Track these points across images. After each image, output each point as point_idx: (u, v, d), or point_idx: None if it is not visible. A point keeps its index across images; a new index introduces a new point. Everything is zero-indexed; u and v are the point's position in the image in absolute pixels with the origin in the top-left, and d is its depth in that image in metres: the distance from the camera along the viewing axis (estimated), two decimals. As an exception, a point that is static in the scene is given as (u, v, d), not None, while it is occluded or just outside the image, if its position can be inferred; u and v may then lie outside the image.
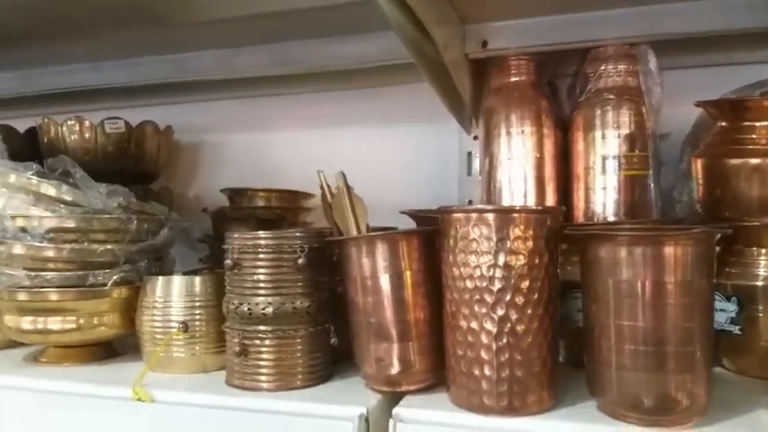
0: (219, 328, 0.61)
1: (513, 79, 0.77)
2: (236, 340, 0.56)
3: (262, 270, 0.56)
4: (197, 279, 0.63)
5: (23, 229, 0.61)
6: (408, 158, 0.94)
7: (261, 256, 0.56)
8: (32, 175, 0.63)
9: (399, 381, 0.53)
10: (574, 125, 0.73)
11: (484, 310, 0.47)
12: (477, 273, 0.47)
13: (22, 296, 0.63)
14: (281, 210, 0.92)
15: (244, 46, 0.89)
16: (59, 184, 0.63)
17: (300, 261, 0.55)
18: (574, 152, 0.73)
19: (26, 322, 0.64)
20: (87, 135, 0.93)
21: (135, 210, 0.66)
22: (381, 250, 0.53)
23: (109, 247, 0.64)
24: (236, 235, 0.58)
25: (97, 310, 0.64)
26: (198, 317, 0.62)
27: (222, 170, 1.03)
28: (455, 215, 0.49)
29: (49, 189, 0.63)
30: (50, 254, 0.62)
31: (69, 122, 0.91)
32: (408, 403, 0.50)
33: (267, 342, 0.56)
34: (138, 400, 0.55)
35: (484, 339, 0.47)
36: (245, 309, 0.56)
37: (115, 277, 0.64)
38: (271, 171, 0.99)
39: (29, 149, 1.02)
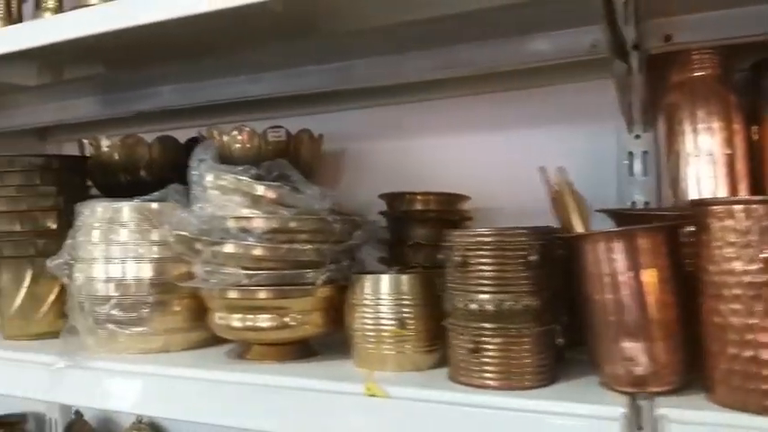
0: (427, 327, 0.61)
1: (697, 74, 0.75)
2: (467, 337, 0.56)
3: (489, 268, 0.56)
4: (405, 278, 0.63)
5: (244, 230, 0.63)
6: (562, 160, 0.93)
7: (487, 253, 0.56)
8: (250, 177, 0.64)
9: (648, 381, 0.51)
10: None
11: (761, 308, 0.45)
12: (752, 267, 0.46)
13: (232, 294, 0.65)
14: (439, 212, 0.92)
15: (406, 51, 0.90)
16: (280, 186, 0.65)
17: (531, 258, 0.55)
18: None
19: (236, 320, 0.66)
20: (249, 144, 0.96)
21: (338, 211, 0.67)
22: (626, 247, 0.51)
23: (317, 247, 0.65)
24: (459, 233, 0.58)
25: (304, 308, 0.65)
26: (407, 315, 0.62)
27: (364, 176, 1.03)
28: (718, 207, 0.48)
29: (269, 192, 0.64)
30: (266, 253, 0.63)
31: (233, 132, 0.94)
32: (671, 403, 0.49)
33: (496, 340, 0.55)
34: (371, 395, 0.55)
35: (764, 338, 0.45)
36: (474, 306, 0.56)
37: (323, 276, 0.65)
38: (416, 176, 0.99)
39: (186, 157, 1.06)
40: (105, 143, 0.91)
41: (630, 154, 0.88)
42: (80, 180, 0.87)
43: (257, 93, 1.01)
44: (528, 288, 0.56)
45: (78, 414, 1.40)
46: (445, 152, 0.99)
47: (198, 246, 0.65)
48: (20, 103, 1.25)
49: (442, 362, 0.61)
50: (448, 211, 0.90)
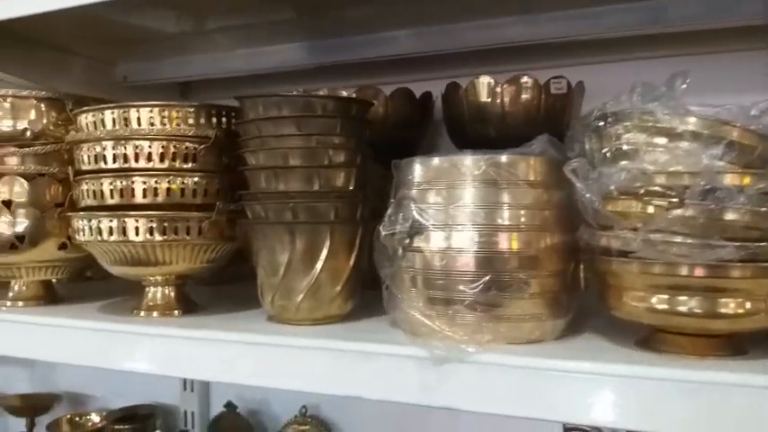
0: None
1: None
2: None
3: None
4: None
5: (719, 189, 0.48)
6: None
7: None
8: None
9: None
10: None
11: None
12: None
13: (684, 271, 0.51)
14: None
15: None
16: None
17: None
18: None
19: (668, 302, 0.52)
20: (529, 95, 0.82)
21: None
22: None
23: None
24: None
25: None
26: None
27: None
28: None
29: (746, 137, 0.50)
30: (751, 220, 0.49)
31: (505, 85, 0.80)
32: None
33: None
34: None
35: None
36: None
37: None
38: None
39: (421, 114, 0.91)
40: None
41: None
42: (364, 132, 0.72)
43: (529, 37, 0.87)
44: None
45: (231, 406, 1.26)
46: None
47: (649, 208, 0.50)
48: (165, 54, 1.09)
49: None
50: None
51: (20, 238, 0.78)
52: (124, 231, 0.70)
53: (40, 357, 0.80)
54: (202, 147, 0.71)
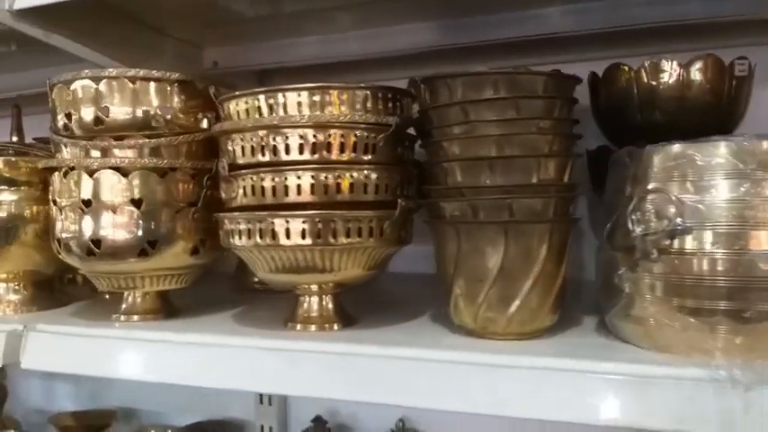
0: None
1: None
2: None
3: None
4: None
5: None
6: None
7: None
8: None
9: None
10: None
11: None
12: None
13: None
14: None
15: None
16: None
17: None
18: None
19: None
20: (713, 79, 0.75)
21: None
22: None
23: None
24: None
25: None
26: None
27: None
28: None
29: None
30: None
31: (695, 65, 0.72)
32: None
33: None
34: None
35: None
36: None
37: None
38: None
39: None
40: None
41: None
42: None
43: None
44: None
45: (320, 421, 1.16)
46: None
47: None
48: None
49: None
50: None
51: (151, 243, 0.67)
52: (289, 234, 0.60)
53: (171, 380, 0.69)
54: (381, 136, 0.62)
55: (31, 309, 0.83)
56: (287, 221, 0.60)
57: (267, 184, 0.61)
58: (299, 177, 0.60)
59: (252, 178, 0.62)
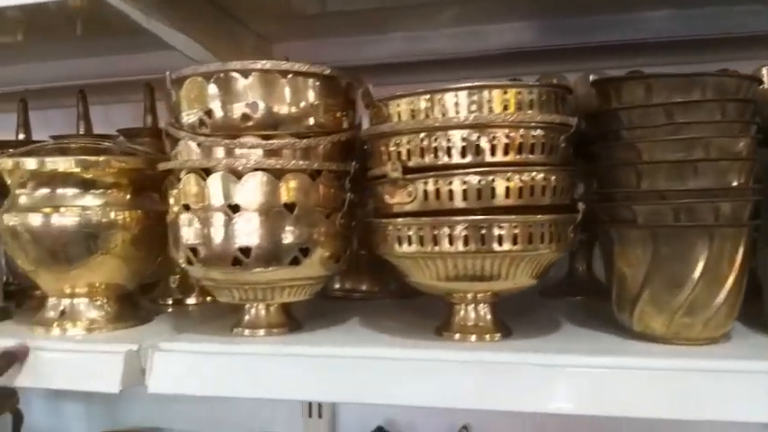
0: None
1: None
2: None
3: None
4: None
5: None
6: None
7: None
8: None
9: None
10: None
11: None
12: None
13: None
14: None
15: None
16: None
17: None
18: None
19: None
20: None
21: None
22: None
23: None
24: None
25: None
26: None
27: None
28: None
29: None
30: None
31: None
32: None
33: None
34: None
35: None
36: None
37: None
38: None
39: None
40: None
41: None
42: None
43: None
44: None
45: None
46: None
47: None
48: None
49: None
50: None
51: (303, 250, 0.62)
52: (468, 241, 0.57)
53: (341, 398, 0.63)
54: (563, 137, 0.60)
55: (117, 326, 0.74)
56: (479, 226, 0.57)
57: (443, 187, 0.57)
58: (482, 181, 0.57)
59: (425, 182, 0.58)
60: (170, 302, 0.90)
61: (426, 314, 0.71)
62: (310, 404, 1.18)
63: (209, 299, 0.91)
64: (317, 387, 0.61)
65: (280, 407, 1.21)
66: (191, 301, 0.91)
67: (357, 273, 0.91)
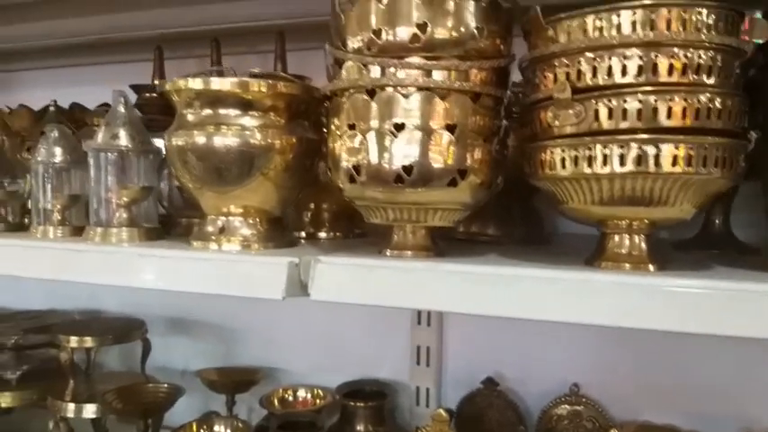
0: None
1: None
2: None
3: None
4: None
5: None
6: None
7: None
8: None
9: None
10: None
11: None
12: None
13: None
14: None
15: None
16: None
17: None
18: None
19: None
20: None
21: None
22: None
23: None
24: None
25: None
26: None
27: None
28: None
29: None
30: None
31: None
32: None
33: None
34: None
35: None
36: None
37: None
38: None
39: None
40: None
41: None
42: None
43: None
44: None
45: (491, 383, 1.13)
46: None
47: None
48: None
49: None
50: None
51: (461, 172, 0.63)
52: (641, 161, 0.57)
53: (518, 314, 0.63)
54: (738, 62, 0.58)
55: (268, 245, 0.78)
56: (653, 145, 0.56)
57: (617, 107, 0.57)
58: (657, 101, 0.56)
59: (596, 102, 0.58)
60: (303, 236, 0.94)
61: (559, 260, 0.71)
62: (418, 352, 1.21)
63: (338, 233, 0.94)
64: (474, 301, 0.62)
65: (389, 353, 1.24)
66: (322, 234, 0.95)
67: (483, 217, 0.92)
